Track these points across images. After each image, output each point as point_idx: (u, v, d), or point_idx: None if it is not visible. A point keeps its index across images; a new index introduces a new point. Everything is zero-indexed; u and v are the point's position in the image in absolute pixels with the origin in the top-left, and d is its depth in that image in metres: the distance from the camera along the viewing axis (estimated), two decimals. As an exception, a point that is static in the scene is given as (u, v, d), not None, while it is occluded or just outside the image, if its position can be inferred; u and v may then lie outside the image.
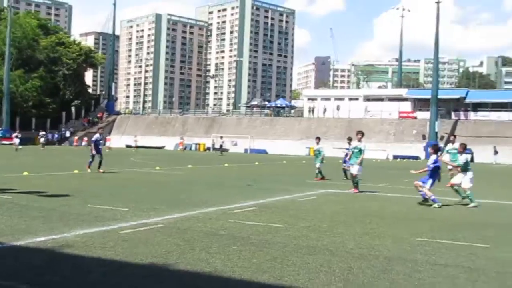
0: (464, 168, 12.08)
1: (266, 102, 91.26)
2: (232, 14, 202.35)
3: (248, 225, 8.53)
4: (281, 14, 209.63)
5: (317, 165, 19.61)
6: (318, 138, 20.88)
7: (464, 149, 12.83)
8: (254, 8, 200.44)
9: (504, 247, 7.18)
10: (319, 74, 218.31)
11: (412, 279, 5.34)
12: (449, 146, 17.91)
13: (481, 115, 58.45)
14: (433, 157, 12.06)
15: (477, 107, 59.74)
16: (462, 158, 12.46)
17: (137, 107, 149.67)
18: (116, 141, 63.93)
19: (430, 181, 11.75)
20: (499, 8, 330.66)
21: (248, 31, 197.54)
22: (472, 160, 18.51)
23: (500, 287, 5.09)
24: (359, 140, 14.78)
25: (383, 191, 11.90)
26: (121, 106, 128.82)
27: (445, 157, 15.31)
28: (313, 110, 66.28)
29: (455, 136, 18.99)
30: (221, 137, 54.31)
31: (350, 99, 67.23)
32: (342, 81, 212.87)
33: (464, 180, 12.01)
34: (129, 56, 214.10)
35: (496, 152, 47.74)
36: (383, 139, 56.05)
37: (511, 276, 5.51)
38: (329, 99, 68.59)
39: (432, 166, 11.83)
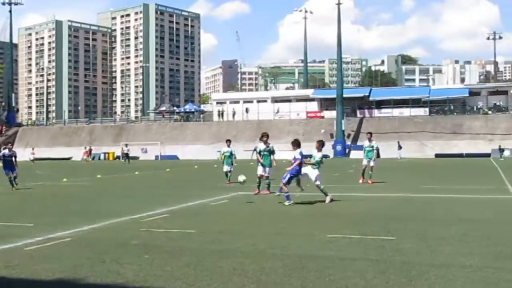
0: (318, 165, 12.46)
1: (175, 108, 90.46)
2: (136, 20, 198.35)
3: (160, 232, 8.37)
4: (186, 19, 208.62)
5: (226, 168, 19.50)
6: (229, 141, 20.92)
7: (321, 145, 12.98)
8: (158, 13, 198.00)
9: (408, 238, 7.59)
10: (227, 78, 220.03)
11: (323, 275, 5.48)
12: (366, 143, 19.06)
13: (385, 112, 61.99)
14: (296, 152, 12.16)
15: (380, 104, 63.23)
16: (318, 155, 12.64)
17: (41, 117, 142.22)
18: (20, 154, 60.09)
19: (288, 176, 11.97)
20: (398, 8, 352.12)
21: (153, 36, 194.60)
22: (378, 156, 19.63)
23: (406, 276, 5.37)
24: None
25: (292, 191, 12.17)
26: (23, 117, 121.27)
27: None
28: (222, 114, 66.68)
29: (371, 134, 19.87)
30: (126, 145, 52.64)
31: (259, 101, 68.51)
32: (250, 84, 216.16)
33: (311, 173, 12.41)
34: (30, 65, 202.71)
35: (400, 147, 50.48)
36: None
37: (415, 265, 5.83)
38: (238, 102, 69.43)
39: (294, 161, 12.10)
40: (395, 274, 5.44)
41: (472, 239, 7.55)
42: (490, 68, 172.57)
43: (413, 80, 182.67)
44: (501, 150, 48.20)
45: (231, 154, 19.88)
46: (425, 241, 7.33)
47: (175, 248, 7.05)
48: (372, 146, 18.84)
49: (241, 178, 14.09)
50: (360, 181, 18.44)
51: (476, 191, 15.02)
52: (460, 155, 48.91)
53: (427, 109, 61.38)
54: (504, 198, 13.48)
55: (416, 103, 61.91)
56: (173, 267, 5.91)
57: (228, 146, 20.31)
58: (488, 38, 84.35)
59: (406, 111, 61.17)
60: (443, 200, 13.32)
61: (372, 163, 18.49)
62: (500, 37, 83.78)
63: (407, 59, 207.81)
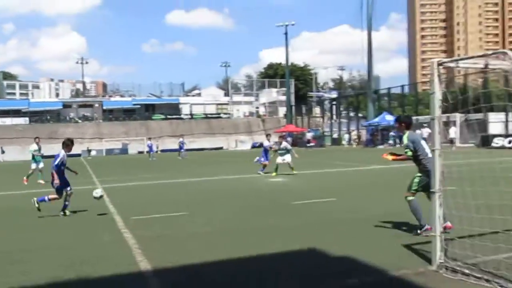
0: None
1: None
2: None
3: None
4: None
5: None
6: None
7: None
8: None
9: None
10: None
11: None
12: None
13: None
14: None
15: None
16: None
17: None
18: None
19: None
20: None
21: None
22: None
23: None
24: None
25: None
26: None
27: None
28: None
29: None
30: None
31: None
32: None
33: None
34: None
35: (3, 152, 56.77)
36: None
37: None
38: None
39: None
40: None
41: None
42: (80, 86, 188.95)
43: (14, 93, 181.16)
44: (89, 151, 59.43)
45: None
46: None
47: None
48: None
49: (97, 193, 10.98)
50: None
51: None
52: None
53: (27, 119, 69.44)
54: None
55: (16, 113, 69.50)
56: None
57: None
58: (77, 62, 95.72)
59: (8, 120, 67.76)
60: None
61: None
62: (87, 62, 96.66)
63: (7, 76, 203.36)
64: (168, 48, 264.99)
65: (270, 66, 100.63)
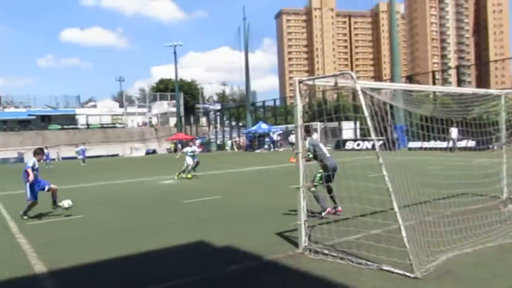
0: None
1: None
2: None
3: None
4: None
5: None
6: None
7: None
8: None
9: None
10: None
11: None
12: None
13: None
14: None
15: None
16: None
17: None
18: None
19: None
20: None
21: None
22: None
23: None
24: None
25: None
26: None
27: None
28: None
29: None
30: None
31: None
32: None
33: None
34: None
35: None
36: None
37: None
38: None
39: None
40: None
41: None
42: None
43: None
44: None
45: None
46: None
47: None
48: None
49: (66, 203, 9.90)
50: None
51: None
52: None
53: None
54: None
55: None
56: None
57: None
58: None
59: None
60: None
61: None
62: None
63: None
64: (64, 63, 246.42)
65: (162, 81, 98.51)
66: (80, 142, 46.03)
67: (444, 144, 26.09)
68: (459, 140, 24.79)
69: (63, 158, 55.86)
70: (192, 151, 18.62)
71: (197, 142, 56.65)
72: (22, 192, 10.12)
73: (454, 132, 23.55)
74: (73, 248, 6.84)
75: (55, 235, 7.83)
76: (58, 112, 75.50)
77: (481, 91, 8.69)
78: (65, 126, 70.48)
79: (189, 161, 18.30)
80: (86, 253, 6.39)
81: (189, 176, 18.07)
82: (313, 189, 7.81)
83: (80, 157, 39.48)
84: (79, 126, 72.61)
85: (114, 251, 6.43)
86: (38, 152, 10.47)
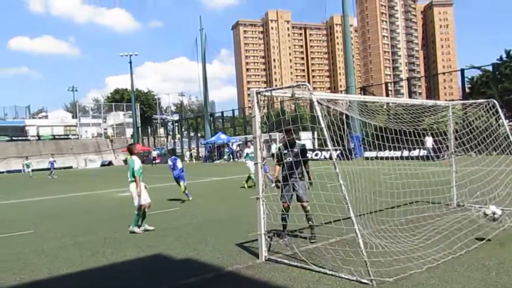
0: None
1: None
2: None
3: None
4: None
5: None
6: None
7: None
8: None
9: None
10: None
11: None
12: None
13: None
14: None
15: None
16: None
17: None
18: None
19: None
20: None
21: None
22: None
23: None
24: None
25: None
26: None
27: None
28: None
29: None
30: None
31: None
32: None
33: None
34: None
35: None
36: None
37: None
38: None
39: None
40: None
41: None
42: None
43: None
44: None
45: None
46: None
47: None
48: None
49: None
50: None
51: None
52: None
53: None
54: None
55: None
56: None
57: None
58: None
59: None
60: None
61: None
62: None
63: None
64: (12, 72, 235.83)
65: (117, 91, 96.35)
66: (51, 154, 43.94)
67: (397, 153, 27.05)
68: (433, 149, 25.64)
69: (8, 172, 53.33)
70: (252, 153, 15.82)
71: (154, 152, 55.76)
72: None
73: (429, 141, 24.40)
74: (23, 264, 6.51)
75: (2, 251, 7.42)
76: (6, 123, 72.20)
77: (430, 102, 9.12)
78: (14, 138, 67.36)
79: (251, 165, 15.20)
80: (37, 269, 6.10)
81: (250, 184, 15.66)
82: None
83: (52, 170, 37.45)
84: (29, 137, 69.60)
85: (69, 265, 6.19)
86: None
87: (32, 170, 40.41)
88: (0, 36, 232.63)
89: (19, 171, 50.24)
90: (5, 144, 64.71)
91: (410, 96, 49.60)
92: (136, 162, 8.61)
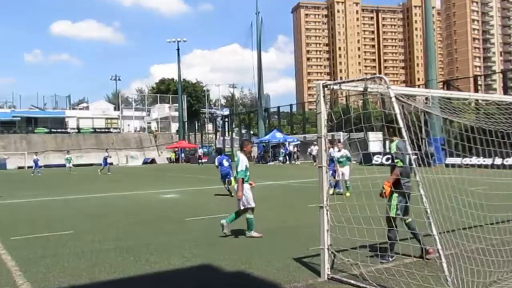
0: None
1: None
2: None
3: None
4: None
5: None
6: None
7: None
8: None
9: None
10: None
11: None
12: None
13: None
14: None
15: None
16: None
17: None
18: None
19: None
20: None
21: None
22: None
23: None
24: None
25: None
26: None
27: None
28: None
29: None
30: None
31: None
32: None
33: None
34: None
35: None
36: None
37: None
38: None
39: None
40: None
41: None
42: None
43: None
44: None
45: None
46: None
47: None
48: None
49: None
50: None
51: None
52: None
53: None
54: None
55: None
56: None
57: None
58: None
59: None
60: None
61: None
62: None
63: None
64: (53, 59, 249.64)
65: (162, 81, 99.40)
66: (105, 149, 46.97)
67: (488, 161, 25.72)
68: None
69: (47, 166, 56.41)
70: (343, 156, 15.26)
71: (200, 151, 56.58)
72: (7, 202, 10.24)
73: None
74: (63, 266, 6.87)
75: (42, 252, 7.88)
76: (45, 114, 76.37)
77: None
78: (53, 130, 71.24)
79: (346, 170, 15.04)
80: (77, 273, 6.41)
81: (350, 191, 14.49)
82: (409, 219, 6.46)
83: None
84: (68, 130, 73.36)
85: (112, 271, 6.47)
86: None
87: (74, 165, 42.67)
88: (43, 19, 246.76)
89: (59, 166, 52.99)
90: (43, 137, 68.56)
91: (505, 93, 47.26)
92: (241, 162, 8.83)
